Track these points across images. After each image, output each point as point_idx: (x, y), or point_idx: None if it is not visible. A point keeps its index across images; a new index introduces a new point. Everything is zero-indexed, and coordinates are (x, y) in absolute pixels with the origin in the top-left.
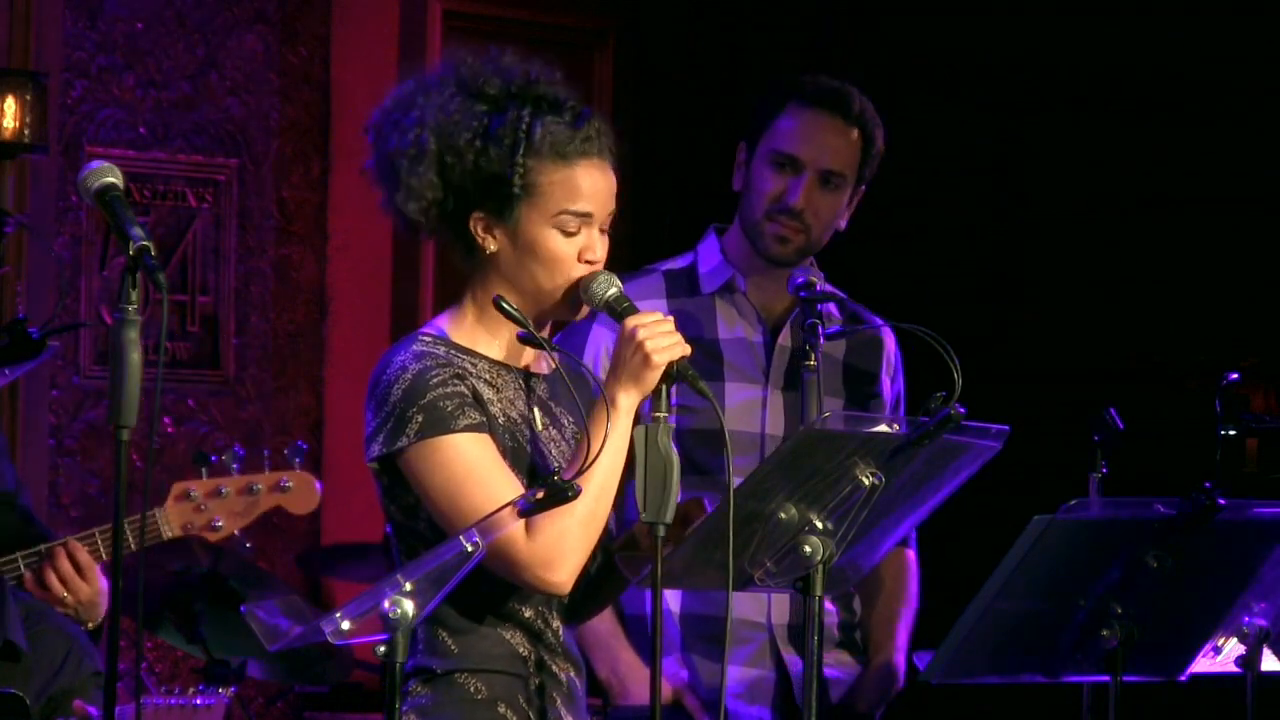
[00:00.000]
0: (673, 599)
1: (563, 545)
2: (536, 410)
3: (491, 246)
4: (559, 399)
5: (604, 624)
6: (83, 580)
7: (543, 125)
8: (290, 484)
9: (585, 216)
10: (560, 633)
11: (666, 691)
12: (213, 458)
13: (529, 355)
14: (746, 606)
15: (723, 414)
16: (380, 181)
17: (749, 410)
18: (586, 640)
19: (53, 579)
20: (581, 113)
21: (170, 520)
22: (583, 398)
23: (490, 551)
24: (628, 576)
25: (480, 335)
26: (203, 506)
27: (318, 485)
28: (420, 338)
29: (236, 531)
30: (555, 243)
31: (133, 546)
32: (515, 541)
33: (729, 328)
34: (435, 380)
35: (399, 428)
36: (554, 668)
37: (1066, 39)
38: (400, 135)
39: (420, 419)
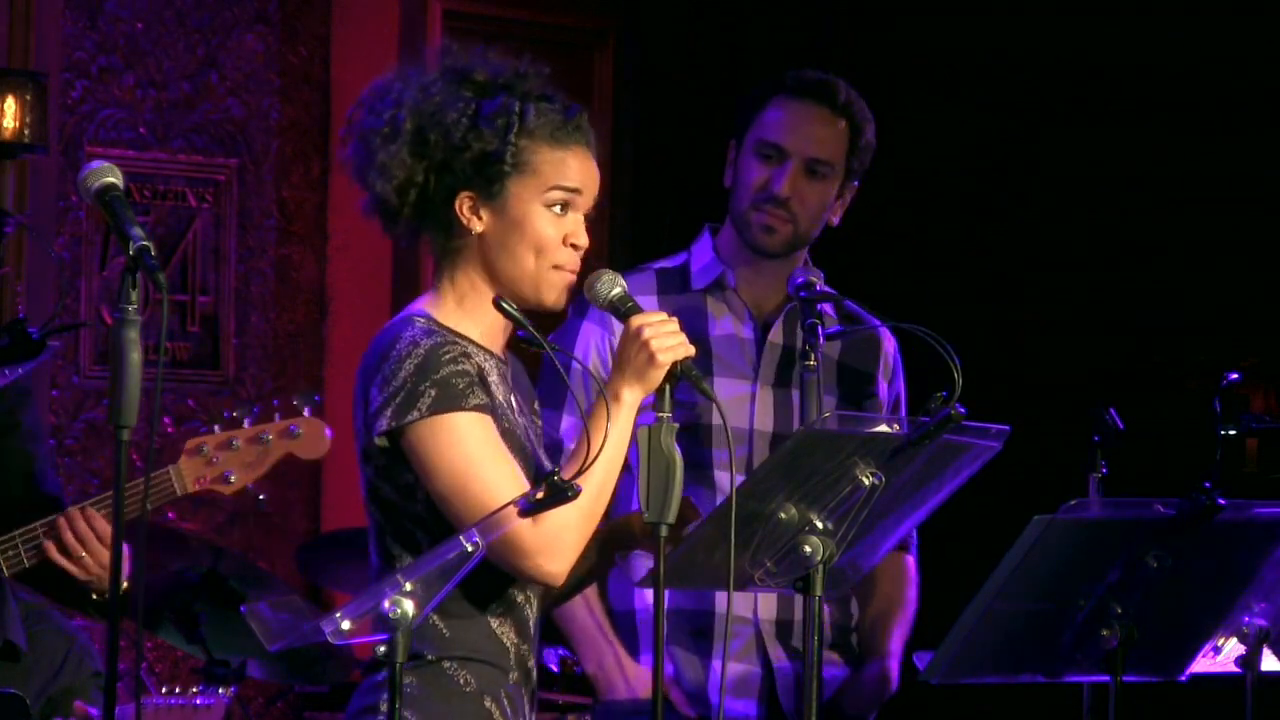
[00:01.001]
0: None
1: (565, 536)
2: (513, 396)
3: (477, 227)
4: (516, 384)
5: (592, 619)
6: (101, 544)
7: (536, 110)
8: (300, 430)
9: (574, 192)
10: (536, 626)
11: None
12: (226, 413)
13: (500, 342)
14: (734, 602)
15: (704, 409)
16: (355, 168)
17: (737, 405)
18: (574, 635)
19: (71, 540)
20: (571, 105)
21: (184, 475)
22: (557, 391)
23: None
24: (618, 564)
25: (462, 320)
26: (214, 460)
27: (327, 431)
28: (415, 319)
29: (250, 485)
30: (543, 222)
31: (148, 505)
32: (520, 528)
33: (719, 323)
34: (447, 357)
35: (410, 402)
36: (529, 663)
37: (1067, 39)
38: (375, 117)
39: (433, 394)
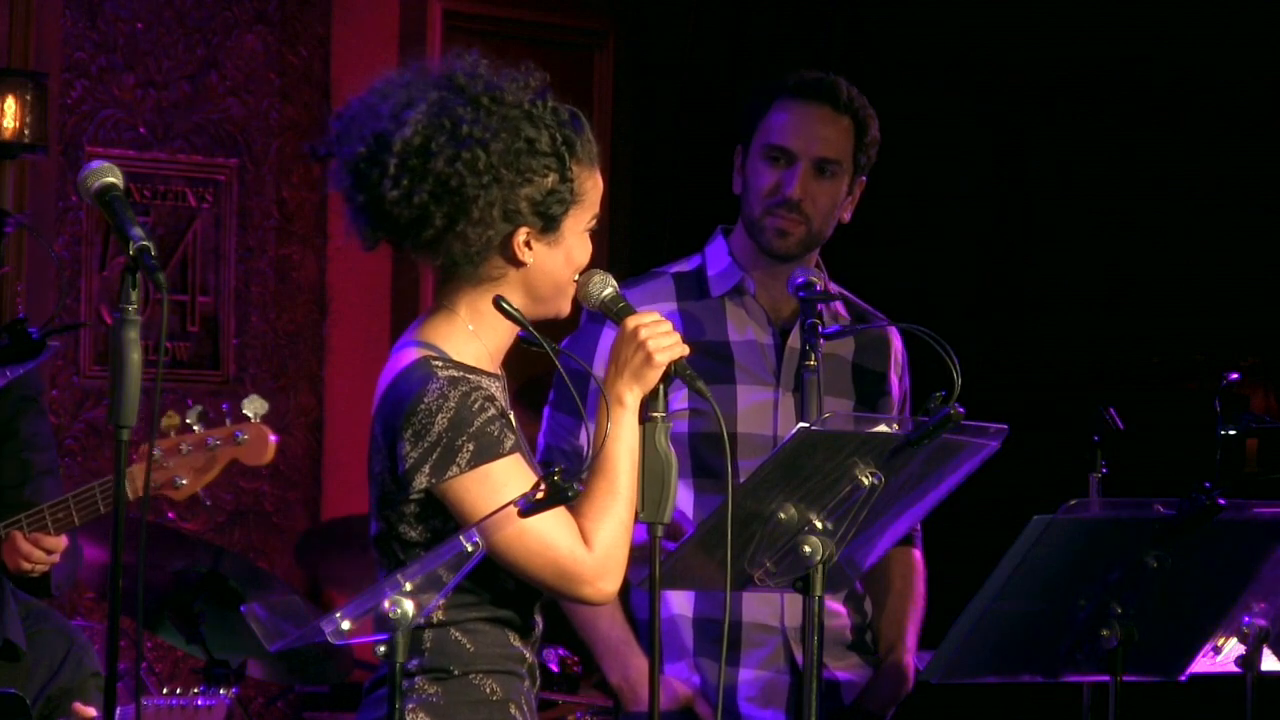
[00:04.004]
0: (686, 604)
1: (617, 554)
2: (512, 414)
3: (529, 259)
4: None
5: (615, 630)
6: (49, 554)
7: (574, 131)
8: (245, 435)
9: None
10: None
11: (679, 696)
12: (184, 419)
13: (499, 360)
14: (760, 610)
15: (723, 415)
16: (421, 213)
17: (761, 413)
18: (598, 646)
19: (23, 564)
20: (572, 111)
21: (135, 479)
22: (580, 394)
23: (552, 571)
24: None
25: (472, 346)
26: (165, 464)
27: (272, 438)
28: (433, 363)
29: (200, 491)
30: (582, 246)
31: (101, 509)
32: (580, 560)
33: (739, 330)
34: (476, 406)
35: (447, 457)
36: (536, 670)
37: (1068, 40)
38: (465, 166)
39: (471, 447)
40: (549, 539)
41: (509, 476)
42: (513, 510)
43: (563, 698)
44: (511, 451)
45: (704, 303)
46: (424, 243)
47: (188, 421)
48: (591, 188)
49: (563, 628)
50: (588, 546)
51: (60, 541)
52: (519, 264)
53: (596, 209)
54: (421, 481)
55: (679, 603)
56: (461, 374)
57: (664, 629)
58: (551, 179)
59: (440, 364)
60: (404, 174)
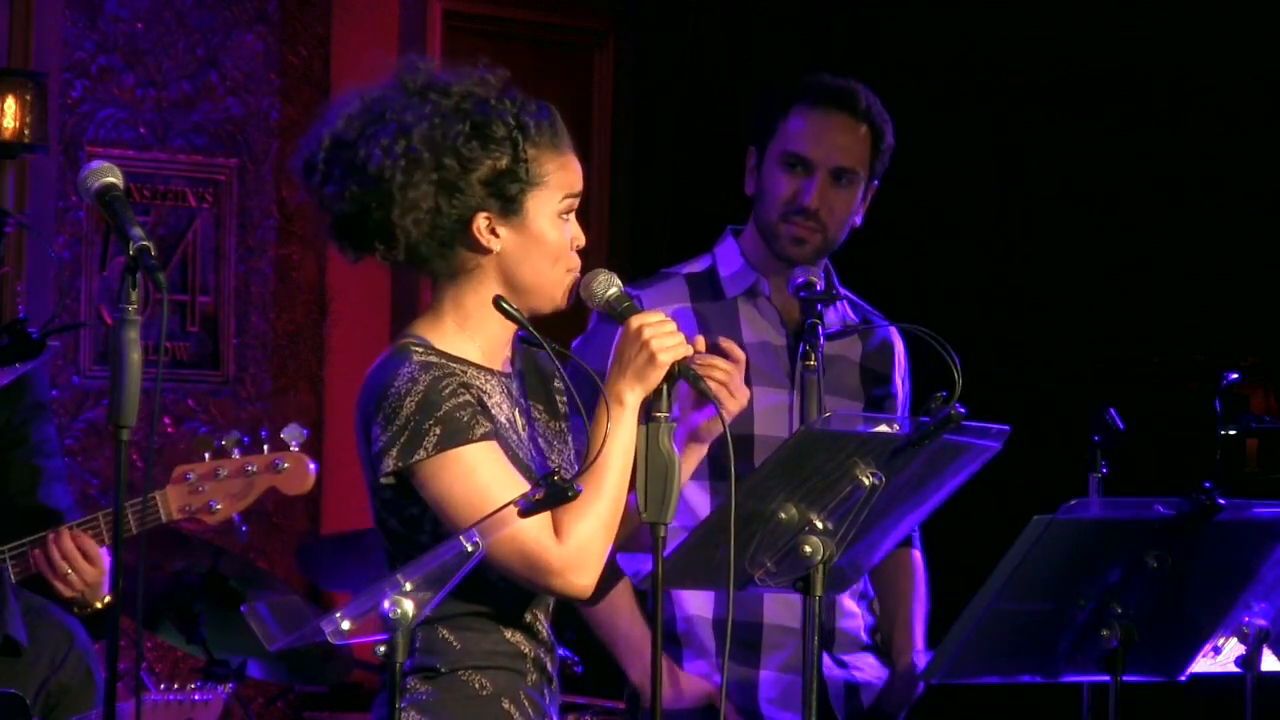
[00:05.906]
0: (704, 605)
1: (592, 549)
2: (517, 411)
3: (495, 245)
4: (528, 395)
5: (636, 629)
6: (87, 563)
7: (530, 116)
8: (285, 464)
9: (578, 197)
10: (549, 629)
11: (701, 694)
12: (217, 443)
13: (502, 357)
14: (780, 612)
15: (724, 415)
16: (357, 206)
17: (776, 415)
18: (618, 645)
19: (56, 558)
20: (540, 104)
21: (169, 502)
22: (583, 397)
23: (518, 558)
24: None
25: (461, 342)
26: (200, 489)
27: (312, 466)
28: (412, 349)
29: (235, 516)
30: (557, 230)
31: (134, 529)
32: (547, 548)
33: (753, 332)
34: (446, 391)
35: (414, 441)
36: (546, 663)
37: (1068, 40)
38: (383, 150)
39: (438, 431)
40: (515, 526)
41: (477, 462)
42: (484, 497)
43: (562, 698)
44: (484, 439)
45: (718, 304)
46: (378, 238)
47: (223, 445)
48: (555, 170)
49: (564, 628)
50: (559, 538)
51: (100, 552)
52: (485, 250)
53: (569, 191)
54: (389, 464)
55: (697, 604)
56: (440, 360)
57: (682, 629)
58: (505, 161)
59: (420, 350)
60: (335, 167)
